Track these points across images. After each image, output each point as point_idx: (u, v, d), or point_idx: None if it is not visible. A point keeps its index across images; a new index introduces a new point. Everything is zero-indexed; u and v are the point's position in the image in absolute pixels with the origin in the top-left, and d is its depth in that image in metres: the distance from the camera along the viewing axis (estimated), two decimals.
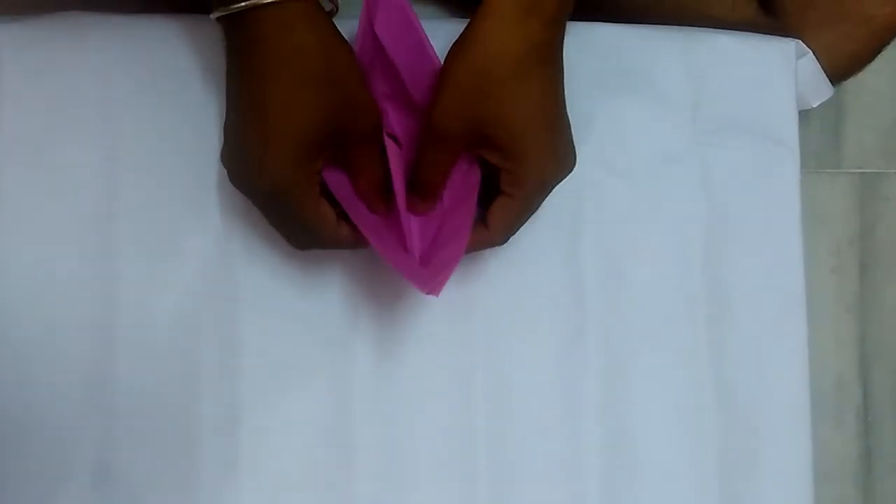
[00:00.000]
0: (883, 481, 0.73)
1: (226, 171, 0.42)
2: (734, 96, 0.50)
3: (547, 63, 0.40)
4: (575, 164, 0.43)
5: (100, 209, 0.45)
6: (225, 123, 0.41)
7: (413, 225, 0.44)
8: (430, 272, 0.42)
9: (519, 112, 0.40)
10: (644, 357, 0.48)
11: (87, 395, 0.44)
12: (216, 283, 0.45)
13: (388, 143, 0.42)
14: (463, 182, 0.44)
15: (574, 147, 0.43)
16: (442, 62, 0.41)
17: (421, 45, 0.42)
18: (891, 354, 0.74)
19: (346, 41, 0.39)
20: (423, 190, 0.44)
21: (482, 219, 0.43)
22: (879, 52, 0.55)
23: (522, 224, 0.44)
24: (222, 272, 0.45)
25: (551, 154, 0.42)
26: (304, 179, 0.40)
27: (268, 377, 0.45)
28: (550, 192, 0.43)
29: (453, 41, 0.40)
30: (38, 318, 0.44)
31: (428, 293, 0.40)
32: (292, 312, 0.46)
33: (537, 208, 0.44)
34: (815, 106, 0.54)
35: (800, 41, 0.52)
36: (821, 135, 0.71)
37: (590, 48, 0.49)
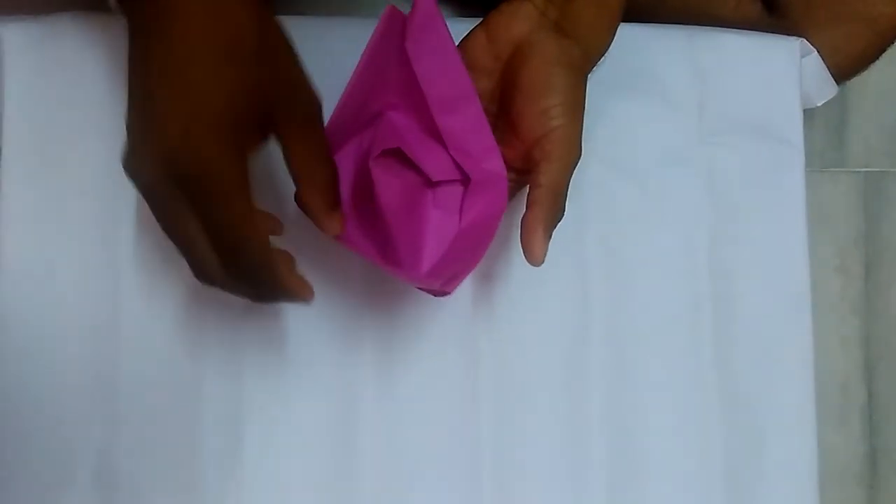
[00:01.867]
0: (888, 481, 0.73)
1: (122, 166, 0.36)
2: (739, 95, 0.50)
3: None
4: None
5: (104, 210, 0.45)
6: (128, 114, 0.35)
7: (428, 238, 0.42)
8: (438, 281, 0.40)
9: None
10: (649, 357, 0.48)
11: (90, 397, 0.44)
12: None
13: (377, 163, 0.41)
14: (487, 204, 0.42)
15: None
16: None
17: (455, 65, 0.40)
18: (895, 354, 0.74)
19: (276, 18, 0.36)
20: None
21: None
22: (884, 51, 0.55)
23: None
24: None
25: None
26: (232, 163, 0.33)
27: (270, 379, 0.45)
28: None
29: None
30: (42, 319, 0.44)
31: (440, 294, 0.39)
32: (295, 314, 0.46)
33: None
34: (819, 105, 0.54)
35: (804, 40, 0.51)
36: (825, 134, 0.71)
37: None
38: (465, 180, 0.42)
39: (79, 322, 0.44)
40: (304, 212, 0.38)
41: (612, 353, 0.48)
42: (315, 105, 0.37)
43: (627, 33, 0.49)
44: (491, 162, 0.41)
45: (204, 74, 0.33)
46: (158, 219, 0.35)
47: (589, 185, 0.48)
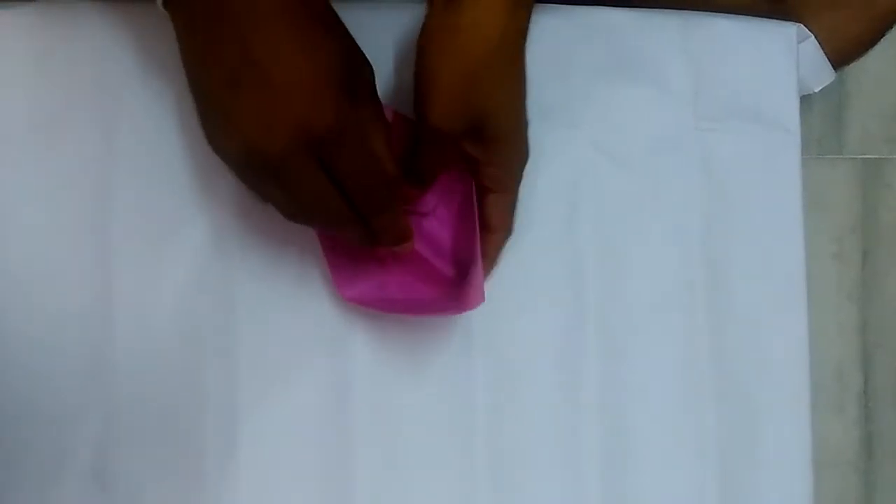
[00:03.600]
0: (883, 468, 0.73)
1: (211, 142, 0.37)
2: (734, 81, 0.50)
3: (522, 50, 0.39)
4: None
5: (96, 199, 0.44)
6: (219, 98, 0.36)
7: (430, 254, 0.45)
8: (465, 288, 0.42)
9: (510, 103, 0.39)
10: (643, 345, 0.48)
11: (85, 390, 0.44)
12: (213, 274, 0.45)
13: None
14: (463, 198, 0.44)
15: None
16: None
17: None
18: (892, 342, 0.74)
19: None
20: (420, 178, 0.42)
21: (486, 228, 0.44)
22: (882, 36, 0.55)
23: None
24: (219, 263, 0.45)
25: (525, 139, 0.42)
26: (373, 112, 0.37)
27: (266, 370, 0.45)
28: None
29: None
30: (34, 312, 0.44)
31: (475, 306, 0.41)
32: (290, 303, 0.46)
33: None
34: (816, 91, 0.53)
35: (801, 25, 0.51)
36: (822, 120, 0.71)
37: (589, 33, 0.48)
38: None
39: (72, 315, 0.44)
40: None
41: (605, 340, 0.48)
42: (373, 81, 0.38)
43: (621, 18, 0.49)
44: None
45: (288, 43, 0.34)
46: (293, 194, 0.37)
47: (582, 172, 0.48)
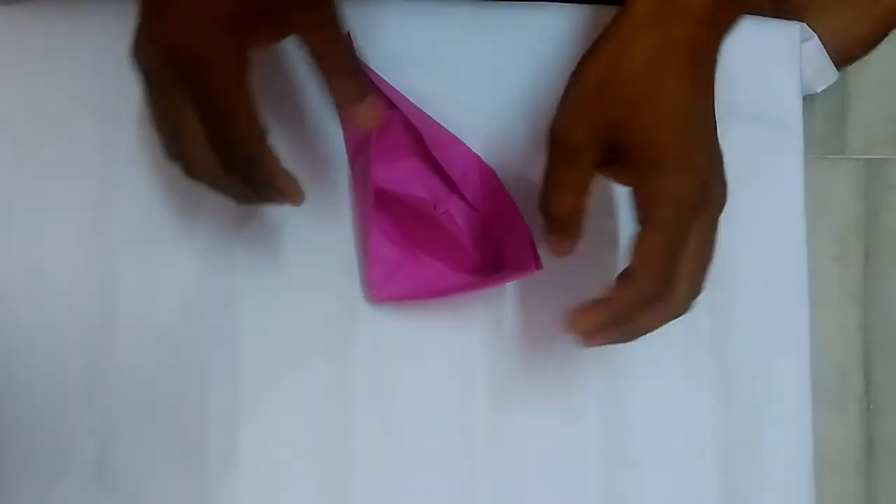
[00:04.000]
0: (885, 469, 0.73)
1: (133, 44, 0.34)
2: (737, 80, 0.49)
3: (691, 63, 0.34)
4: (725, 198, 0.36)
5: (97, 197, 0.44)
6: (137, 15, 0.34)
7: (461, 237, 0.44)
8: (513, 262, 0.42)
9: (653, 112, 0.33)
10: (645, 345, 0.48)
11: (87, 386, 0.44)
12: (215, 271, 0.45)
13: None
14: (484, 182, 0.44)
15: (725, 178, 0.36)
16: None
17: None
18: (894, 343, 0.74)
19: None
20: (562, 223, 0.37)
21: (623, 273, 0.36)
22: (885, 36, 0.55)
23: (673, 265, 0.35)
24: (221, 260, 0.45)
25: (691, 165, 0.34)
26: (233, 52, 0.33)
27: (267, 368, 0.45)
28: (702, 224, 0.35)
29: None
30: (36, 310, 0.44)
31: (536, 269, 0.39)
32: (291, 300, 0.46)
33: (684, 244, 0.35)
34: (819, 91, 0.53)
35: (804, 25, 0.51)
36: (825, 120, 0.71)
37: (591, 30, 0.48)
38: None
39: (73, 313, 0.44)
40: (340, 111, 0.38)
41: None
42: (332, 3, 0.35)
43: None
44: (458, 148, 0.44)
45: None
46: (154, 108, 0.35)
47: None
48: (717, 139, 0.36)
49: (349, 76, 0.36)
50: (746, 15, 0.50)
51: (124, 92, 0.45)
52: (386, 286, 0.44)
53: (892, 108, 0.73)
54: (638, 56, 0.33)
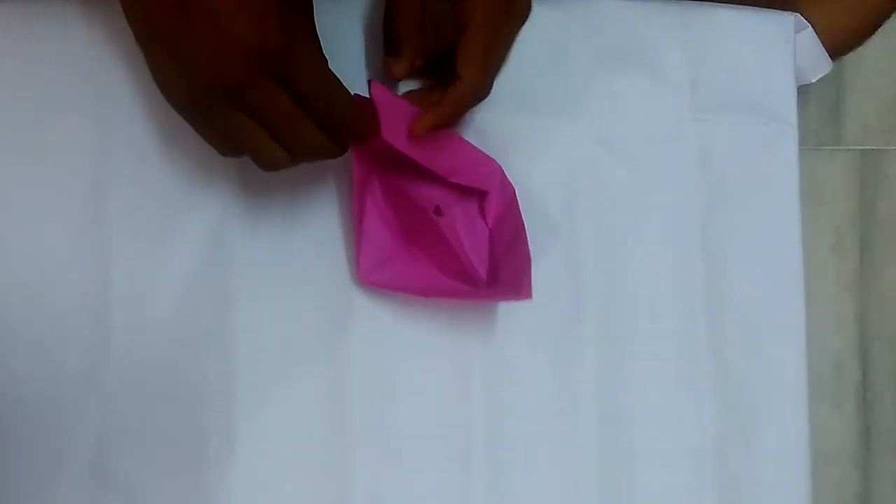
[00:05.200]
0: (882, 460, 0.73)
1: (165, 88, 0.37)
2: (732, 71, 0.49)
3: None
4: (529, 9, 0.41)
5: (94, 194, 0.44)
6: (160, 42, 0.36)
7: (470, 254, 0.44)
8: (507, 284, 0.43)
9: None
10: (641, 337, 0.48)
11: (84, 383, 0.44)
12: (212, 267, 0.45)
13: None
14: (499, 194, 0.44)
15: None
16: None
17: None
18: (890, 334, 0.74)
19: None
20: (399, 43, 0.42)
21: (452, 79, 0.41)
22: (880, 26, 0.54)
23: (498, 67, 0.41)
24: (218, 256, 0.45)
25: None
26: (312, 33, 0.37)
27: (264, 364, 0.45)
28: (514, 28, 0.41)
29: None
30: (33, 307, 0.44)
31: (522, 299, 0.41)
32: (289, 294, 0.45)
33: (507, 49, 0.41)
34: (813, 81, 0.53)
35: (798, 15, 0.51)
36: (820, 111, 0.71)
37: (586, 23, 0.48)
38: (472, 193, 0.44)
39: (70, 308, 0.44)
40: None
41: (603, 332, 0.48)
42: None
43: (619, 8, 0.49)
44: (484, 165, 0.43)
45: None
46: (208, 128, 0.38)
47: (580, 163, 0.48)
48: None
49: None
50: (741, 6, 0.50)
51: (122, 88, 0.44)
52: (375, 272, 0.44)
53: (888, 98, 0.73)
54: None
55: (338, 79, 0.38)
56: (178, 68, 0.36)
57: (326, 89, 0.37)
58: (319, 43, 0.37)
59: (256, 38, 0.34)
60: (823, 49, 0.52)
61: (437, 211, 0.44)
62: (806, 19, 0.51)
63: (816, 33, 0.52)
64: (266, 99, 0.36)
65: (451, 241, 0.44)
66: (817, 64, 0.52)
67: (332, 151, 0.39)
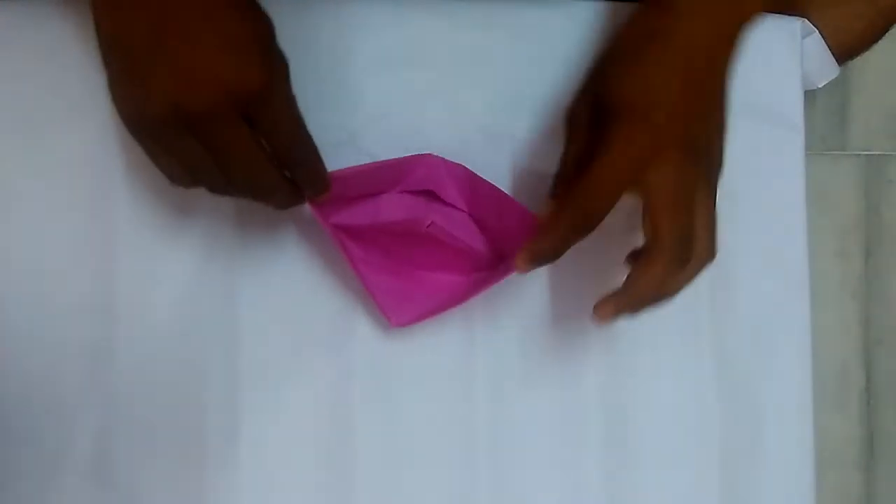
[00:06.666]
0: (885, 465, 0.73)
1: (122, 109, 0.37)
2: (738, 76, 0.49)
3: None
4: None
5: (97, 193, 0.44)
6: (122, 60, 0.36)
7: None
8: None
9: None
10: (646, 339, 0.48)
11: (86, 381, 0.43)
12: (215, 268, 0.45)
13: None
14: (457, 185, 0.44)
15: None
16: None
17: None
18: (894, 338, 0.74)
19: None
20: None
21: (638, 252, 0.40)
22: (887, 31, 0.54)
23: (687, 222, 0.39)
24: (221, 256, 0.45)
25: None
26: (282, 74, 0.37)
27: (267, 363, 0.45)
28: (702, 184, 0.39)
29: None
30: (35, 305, 0.43)
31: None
32: (293, 295, 0.45)
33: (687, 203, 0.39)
34: (820, 86, 0.53)
35: (805, 20, 0.51)
36: (826, 116, 0.71)
37: (590, 28, 0.48)
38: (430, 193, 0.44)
39: (72, 308, 0.44)
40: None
41: (608, 335, 0.48)
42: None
43: (624, 13, 0.49)
44: (423, 163, 0.43)
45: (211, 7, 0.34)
46: (166, 157, 0.37)
47: None
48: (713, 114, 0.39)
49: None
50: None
51: None
52: (402, 312, 0.44)
53: (893, 103, 0.73)
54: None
55: (305, 124, 0.38)
56: (143, 87, 0.35)
57: (294, 132, 0.37)
58: (291, 85, 0.37)
59: (237, 74, 0.34)
60: (830, 54, 0.52)
61: (422, 225, 0.44)
62: (813, 24, 0.51)
63: (823, 38, 0.52)
64: (229, 132, 0.35)
65: (447, 240, 0.44)
66: (824, 69, 0.52)
67: (281, 195, 0.39)
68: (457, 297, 0.44)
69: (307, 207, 0.41)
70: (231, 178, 0.37)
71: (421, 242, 0.44)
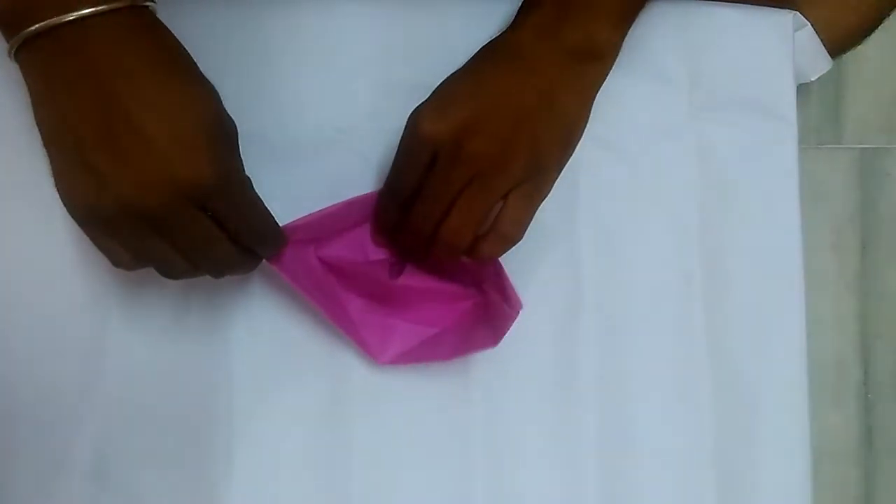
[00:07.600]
0: (883, 460, 0.73)
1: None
2: (731, 70, 0.49)
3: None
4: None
5: None
6: (67, 149, 0.35)
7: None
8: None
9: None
10: (641, 335, 0.48)
11: (84, 387, 0.44)
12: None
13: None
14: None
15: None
16: None
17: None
18: (891, 332, 0.74)
19: None
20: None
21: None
22: (880, 24, 0.54)
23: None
24: None
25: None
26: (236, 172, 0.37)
27: (261, 366, 0.45)
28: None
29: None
30: (33, 312, 0.44)
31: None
32: (287, 302, 0.45)
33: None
34: (813, 80, 0.53)
35: (798, 13, 0.51)
36: (820, 109, 0.71)
37: None
38: None
39: (69, 314, 0.44)
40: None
41: (603, 331, 0.48)
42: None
43: None
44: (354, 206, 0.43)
45: (172, 92, 0.34)
46: (109, 242, 0.36)
47: (580, 162, 0.47)
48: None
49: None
50: (740, 4, 0.50)
51: None
52: (386, 348, 0.44)
53: (888, 96, 0.73)
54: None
55: (260, 199, 0.38)
56: (94, 184, 0.34)
57: (252, 213, 0.37)
58: (243, 166, 0.37)
59: (189, 170, 0.34)
60: (823, 47, 0.52)
61: (386, 266, 0.44)
62: (805, 17, 0.51)
63: (816, 31, 0.51)
64: (185, 223, 0.35)
65: (422, 286, 0.44)
66: (817, 62, 0.52)
67: (243, 266, 0.39)
68: (441, 321, 0.45)
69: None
70: (193, 262, 0.37)
71: (397, 290, 0.44)
